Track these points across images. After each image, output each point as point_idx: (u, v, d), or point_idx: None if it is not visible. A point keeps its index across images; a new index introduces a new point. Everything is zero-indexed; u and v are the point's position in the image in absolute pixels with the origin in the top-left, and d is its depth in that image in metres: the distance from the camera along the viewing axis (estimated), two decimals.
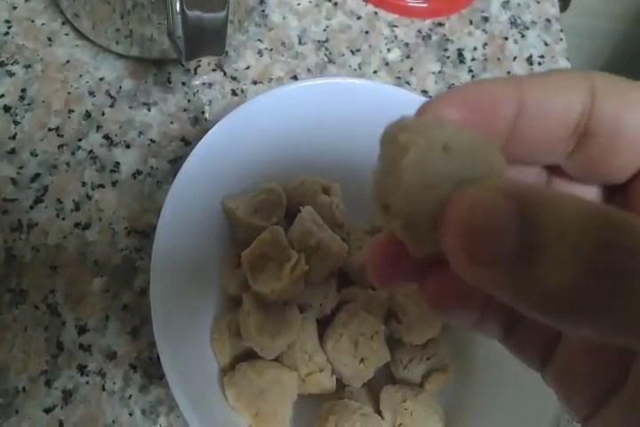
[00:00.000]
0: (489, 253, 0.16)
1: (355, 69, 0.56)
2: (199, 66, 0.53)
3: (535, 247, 0.16)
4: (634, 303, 0.15)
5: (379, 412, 0.39)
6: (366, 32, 0.58)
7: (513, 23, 0.61)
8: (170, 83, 0.52)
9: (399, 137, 0.18)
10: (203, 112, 0.51)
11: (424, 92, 0.55)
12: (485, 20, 0.60)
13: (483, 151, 0.18)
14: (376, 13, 0.59)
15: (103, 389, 0.41)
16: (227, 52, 0.53)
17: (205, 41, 0.43)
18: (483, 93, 0.21)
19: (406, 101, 0.45)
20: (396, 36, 0.58)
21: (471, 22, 0.60)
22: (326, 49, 0.56)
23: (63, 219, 0.46)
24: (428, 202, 0.18)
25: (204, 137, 0.41)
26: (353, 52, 0.56)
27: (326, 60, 0.56)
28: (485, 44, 0.59)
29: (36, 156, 0.47)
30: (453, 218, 0.17)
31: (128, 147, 0.49)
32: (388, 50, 0.57)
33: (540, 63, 0.59)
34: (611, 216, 0.16)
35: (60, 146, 0.48)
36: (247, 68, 0.54)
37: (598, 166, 0.22)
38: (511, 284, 0.16)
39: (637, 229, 0.15)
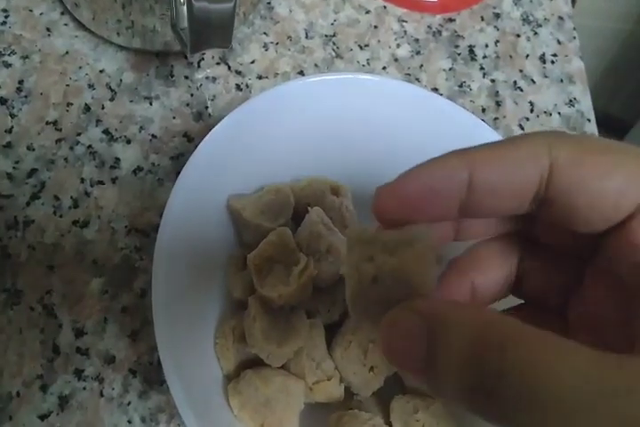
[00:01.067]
0: (404, 364, 0.21)
1: (363, 65, 0.54)
2: (203, 59, 0.52)
3: (437, 361, 0.20)
4: (503, 414, 0.18)
5: (389, 423, 0.37)
6: (375, 27, 0.56)
7: (525, 20, 0.59)
8: (172, 76, 0.50)
9: (341, 268, 0.26)
10: (206, 107, 0.50)
11: (434, 89, 0.54)
12: (497, 16, 0.59)
13: (411, 273, 0.21)
14: (385, 7, 0.57)
15: (101, 395, 0.40)
16: (231, 46, 0.52)
17: (211, 33, 0.41)
18: (433, 177, 0.23)
19: (417, 98, 0.43)
20: (405, 32, 0.56)
21: (482, 18, 0.58)
22: (334, 44, 0.54)
23: (60, 216, 0.44)
24: (373, 317, 0.22)
25: (209, 134, 0.39)
26: (361, 48, 0.55)
27: (334, 54, 0.54)
28: (497, 41, 0.57)
29: (33, 150, 0.46)
30: (380, 337, 0.21)
31: (129, 142, 0.47)
32: (398, 45, 0.55)
33: (553, 62, 0.57)
34: (489, 340, 0.19)
35: (58, 140, 0.46)
36: (252, 62, 0.52)
37: (564, 224, 0.23)
38: (424, 382, 0.20)
39: (512, 348, 0.18)
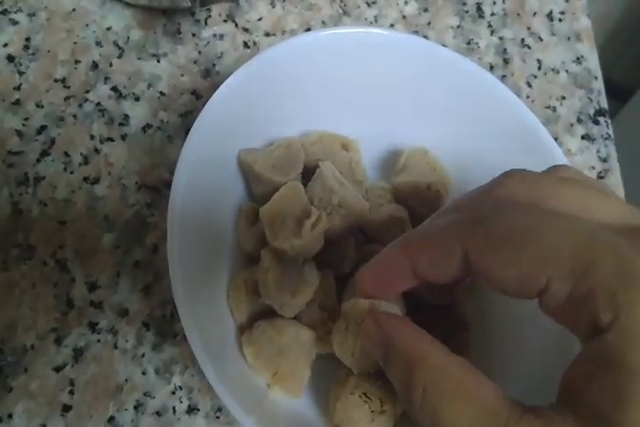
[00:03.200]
0: (374, 357, 0.30)
1: (370, 22, 0.54)
2: (210, 17, 0.51)
3: (386, 367, 0.29)
4: None
5: None
6: None
7: None
8: (179, 34, 0.50)
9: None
10: (214, 64, 0.50)
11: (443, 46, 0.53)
12: None
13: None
14: None
15: (115, 347, 0.40)
16: (238, 2, 0.51)
17: None
18: (387, 269, 0.31)
19: (426, 52, 0.43)
20: None
21: None
22: (341, 1, 0.54)
23: (71, 173, 0.44)
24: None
25: (217, 90, 0.39)
26: (369, 5, 0.54)
27: (341, 12, 0.54)
28: None
29: (42, 107, 0.46)
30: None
31: (137, 99, 0.47)
32: (405, 2, 0.55)
33: (560, 19, 0.57)
34: (415, 381, 0.26)
35: (67, 97, 0.46)
36: (259, 19, 0.52)
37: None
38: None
39: (431, 393, 0.25)
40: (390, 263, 0.30)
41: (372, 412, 0.35)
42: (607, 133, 0.53)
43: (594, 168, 0.52)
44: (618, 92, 1.26)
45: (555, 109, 0.53)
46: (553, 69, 0.55)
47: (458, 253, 0.26)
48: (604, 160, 0.52)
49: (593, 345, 0.24)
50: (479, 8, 0.56)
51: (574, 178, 0.30)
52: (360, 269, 0.33)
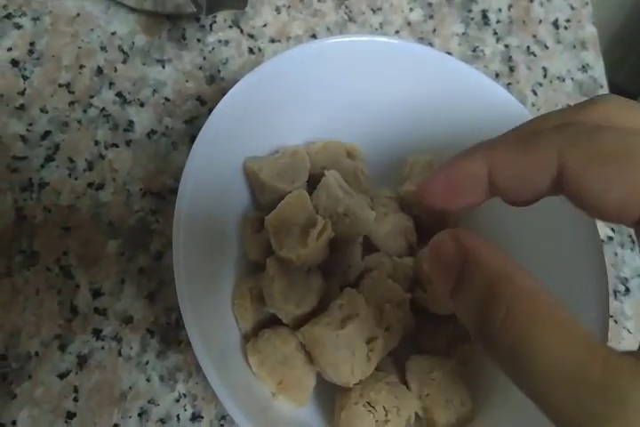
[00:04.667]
0: (439, 281, 0.25)
1: (376, 29, 0.54)
2: (215, 22, 0.51)
3: (461, 289, 0.24)
4: (493, 357, 0.23)
5: (404, 382, 0.38)
6: None
7: None
8: (184, 39, 0.50)
9: None
10: (219, 70, 0.50)
11: (447, 54, 0.53)
12: None
13: None
14: None
15: (119, 354, 0.40)
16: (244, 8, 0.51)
17: None
18: (458, 174, 0.26)
19: (431, 60, 0.43)
20: None
21: None
22: (346, 7, 0.54)
23: (76, 179, 0.44)
24: None
25: (224, 97, 0.39)
26: (374, 11, 0.54)
27: (346, 18, 0.54)
28: (510, 5, 0.57)
29: (47, 112, 0.45)
30: (428, 254, 0.26)
31: (142, 105, 0.47)
32: (411, 9, 0.55)
33: (566, 27, 0.57)
34: (501, 295, 0.22)
35: (72, 103, 0.46)
36: (264, 25, 0.52)
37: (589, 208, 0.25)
38: (450, 300, 0.25)
39: (516, 311, 0.22)
40: (466, 168, 0.26)
41: (377, 421, 0.35)
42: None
43: None
44: (622, 96, 1.26)
45: None
46: (558, 77, 0.55)
47: (553, 166, 0.24)
48: None
49: None
50: (485, 15, 0.56)
51: None
52: (426, 175, 0.29)
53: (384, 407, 0.35)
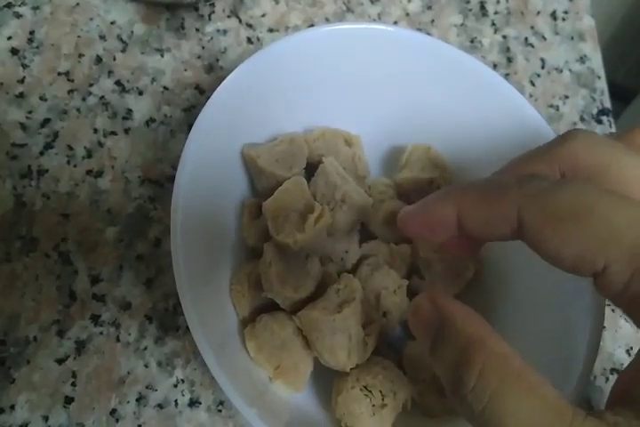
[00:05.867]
0: (419, 338, 0.27)
1: (374, 19, 0.54)
2: (213, 12, 0.51)
3: (437, 348, 0.26)
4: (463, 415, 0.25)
5: (401, 367, 0.38)
6: None
7: None
8: (183, 29, 0.50)
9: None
10: (217, 60, 0.50)
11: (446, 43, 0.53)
12: None
13: None
14: None
15: (118, 340, 0.40)
16: None
17: None
18: (431, 217, 0.29)
19: (430, 48, 0.43)
20: None
21: None
22: None
23: (74, 166, 0.44)
24: None
25: (220, 85, 0.39)
26: (372, 2, 0.54)
27: (344, 8, 0.54)
28: None
29: (46, 100, 0.46)
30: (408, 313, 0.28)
31: (141, 94, 0.47)
32: (409, 0, 0.55)
33: (563, 19, 0.57)
34: (474, 359, 0.24)
35: (71, 91, 0.46)
36: (263, 15, 0.52)
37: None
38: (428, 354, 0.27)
39: (488, 376, 0.23)
40: (437, 209, 0.29)
41: (374, 406, 0.35)
42: (610, 133, 0.53)
43: None
44: (621, 94, 1.26)
45: (558, 108, 0.53)
46: (556, 68, 0.55)
47: (513, 220, 0.26)
48: None
49: None
50: (483, 6, 0.56)
51: None
52: (406, 207, 0.32)
53: (380, 392, 0.36)
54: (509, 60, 0.54)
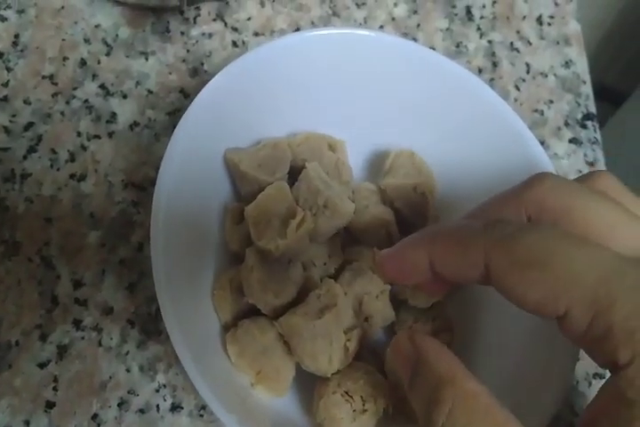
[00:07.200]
0: (399, 373, 0.30)
1: (360, 24, 0.54)
2: (199, 15, 0.51)
3: (413, 384, 0.28)
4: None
5: (382, 373, 0.38)
6: None
7: None
8: (168, 32, 0.50)
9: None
10: (202, 63, 0.50)
11: (431, 49, 0.53)
12: None
13: None
14: None
15: (100, 344, 0.40)
16: (227, 1, 0.51)
17: None
18: (405, 262, 0.32)
19: (412, 54, 0.43)
20: None
21: None
22: (330, 1, 0.54)
23: (58, 169, 0.44)
24: None
25: (205, 87, 0.39)
26: (358, 6, 0.54)
27: (330, 12, 0.54)
28: (494, 1, 0.57)
29: (30, 104, 0.45)
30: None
31: (125, 97, 0.47)
32: (395, 4, 0.55)
33: (549, 24, 0.57)
34: (444, 398, 0.25)
35: (55, 94, 0.46)
36: (248, 19, 0.52)
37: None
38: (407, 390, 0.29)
39: (457, 415, 0.25)
40: (409, 255, 0.31)
41: (354, 411, 0.35)
42: (594, 138, 0.54)
43: (580, 172, 0.52)
44: (612, 96, 1.27)
45: (542, 113, 0.54)
46: (541, 73, 0.55)
47: (480, 266, 0.27)
48: (591, 164, 0.53)
49: (613, 381, 0.24)
50: (469, 11, 0.56)
51: (610, 188, 0.30)
52: (380, 252, 0.34)
53: (362, 397, 0.36)
54: (495, 64, 0.54)
